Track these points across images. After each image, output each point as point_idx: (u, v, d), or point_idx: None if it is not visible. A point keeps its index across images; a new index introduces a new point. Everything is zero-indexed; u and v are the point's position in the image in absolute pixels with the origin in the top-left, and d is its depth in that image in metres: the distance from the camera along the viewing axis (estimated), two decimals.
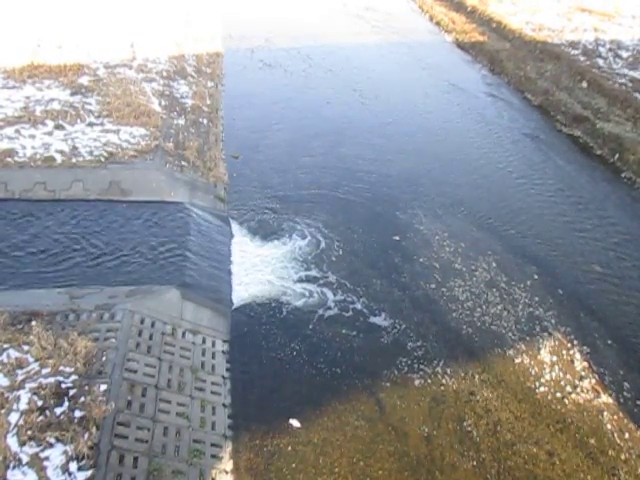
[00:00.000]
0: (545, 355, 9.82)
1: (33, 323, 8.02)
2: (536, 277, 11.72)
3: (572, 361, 9.75)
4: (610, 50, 23.38)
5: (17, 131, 12.95)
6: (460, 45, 26.56)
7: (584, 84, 20.56)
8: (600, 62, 22.02)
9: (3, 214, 10.91)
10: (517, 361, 9.66)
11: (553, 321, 10.60)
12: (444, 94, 21.23)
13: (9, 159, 11.93)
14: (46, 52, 17.11)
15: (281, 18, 28.40)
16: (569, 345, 10.07)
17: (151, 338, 8.46)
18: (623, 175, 16.22)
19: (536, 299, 11.10)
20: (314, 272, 11.31)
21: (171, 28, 21.36)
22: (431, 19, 30.56)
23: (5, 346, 7.56)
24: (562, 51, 23.13)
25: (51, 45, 17.73)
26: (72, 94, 14.96)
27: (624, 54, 22.99)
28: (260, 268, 11.37)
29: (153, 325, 8.70)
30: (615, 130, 17.63)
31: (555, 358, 9.77)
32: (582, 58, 22.36)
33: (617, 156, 16.79)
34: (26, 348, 7.55)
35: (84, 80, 15.86)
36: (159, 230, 11.18)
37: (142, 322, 8.62)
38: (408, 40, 26.71)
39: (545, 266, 12.10)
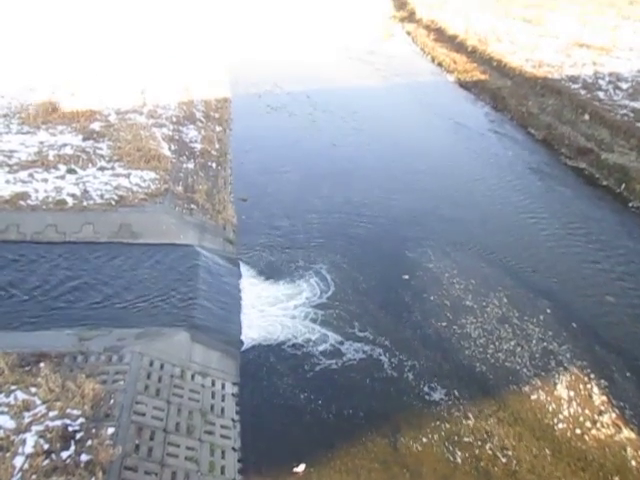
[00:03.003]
0: (562, 390, 9.59)
1: (41, 365, 7.98)
2: (549, 311, 11.56)
3: (590, 396, 9.51)
4: (610, 82, 23.71)
5: (30, 175, 13.22)
6: (462, 84, 27.05)
7: (586, 117, 20.78)
8: (601, 95, 22.30)
9: (14, 256, 11.02)
10: (533, 397, 9.44)
11: (568, 355, 10.40)
12: (449, 132, 21.51)
13: (22, 202, 12.15)
14: (60, 99, 17.61)
15: (286, 63, 29.14)
16: (586, 379, 9.85)
17: (160, 381, 8.37)
18: (630, 205, 16.20)
19: (550, 333, 10.93)
20: (324, 313, 11.22)
21: (180, 74, 21.98)
22: (433, 60, 31.24)
23: (12, 388, 7.52)
24: (563, 86, 23.47)
25: (65, 92, 18.26)
26: (84, 139, 15.32)
27: (624, 86, 23.29)
28: (269, 309, 11.32)
29: (162, 367, 8.63)
30: (620, 160, 17.71)
31: (572, 393, 9.53)
32: (583, 92, 22.66)
33: (623, 186, 16.80)
34: (33, 390, 7.50)
35: (96, 126, 16.26)
36: (169, 272, 11.21)
37: (151, 364, 8.55)
38: (411, 81, 27.26)
39: (557, 300, 11.95)
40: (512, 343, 10.66)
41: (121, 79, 20.12)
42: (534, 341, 10.73)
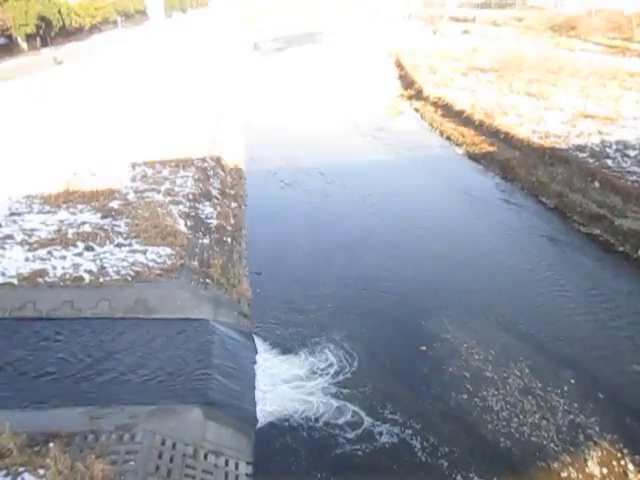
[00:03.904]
0: (593, 467, 9.09)
1: (51, 445, 7.80)
2: (573, 381, 11.17)
3: (625, 473, 8.98)
4: (617, 150, 24.08)
5: (49, 252, 13.52)
6: (471, 156, 27.64)
7: (596, 184, 20.96)
8: (609, 162, 22.60)
9: (29, 333, 11.06)
10: (563, 475, 8.94)
11: (597, 428, 9.93)
12: (461, 202, 21.76)
13: (40, 279, 12.35)
14: (81, 179, 18.28)
15: (299, 140, 30.16)
16: (619, 455, 9.34)
17: (172, 461, 8.11)
18: None
19: (575, 405, 10.50)
20: (340, 387, 10.96)
21: (197, 151, 22.75)
22: (441, 134, 32.13)
23: (20, 469, 7.33)
24: (570, 155, 23.87)
25: (86, 173, 18.98)
26: (102, 217, 15.74)
27: (631, 153, 23.62)
28: (284, 384, 11.10)
29: (174, 447, 8.38)
30: (634, 226, 17.65)
31: (605, 470, 9.02)
32: (591, 160, 22.99)
33: None
34: (42, 472, 7.30)
35: (114, 204, 16.74)
36: (183, 347, 11.12)
37: (163, 444, 8.32)
38: (421, 155, 27.94)
39: (581, 369, 11.57)
40: (537, 416, 10.24)
41: (141, 158, 20.87)
42: (560, 414, 10.30)
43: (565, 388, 10.99)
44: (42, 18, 50.11)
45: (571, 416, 10.23)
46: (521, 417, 10.22)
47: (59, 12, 54.98)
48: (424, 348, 12.34)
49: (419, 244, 17.94)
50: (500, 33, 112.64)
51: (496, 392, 10.88)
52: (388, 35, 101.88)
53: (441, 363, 11.81)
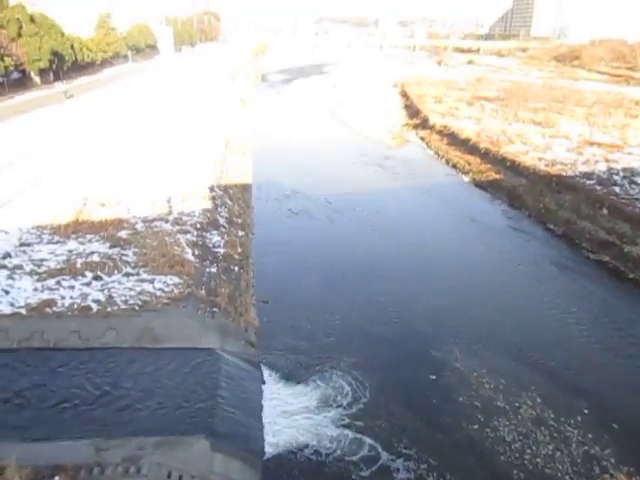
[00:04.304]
0: None
1: (56, 478, 7.69)
2: (586, 411, 10.94)
3: None
4: (624, 178, 24.10)
5: (58, 282, 13.58)
6: (478, 184, 27.72)
7: (604, 211, 20.91)
8: (617, 189, 22.59)
9: (37, 363, 11.01)
10: None
11: (613, 460, 9.69)
12: (468, 229, 21.73)
13: (48, 309, 12.38)
14: (90, 210, 18.46)
15: (305, 169, 30.39)
16: None
17: None
18: None
19: (590, 436, 10.26)
20: (348, 418, 10.80)
21: (205, 181, 22.97)
22: (447, 162, 32.32)
23: None
24: (577, 182, 23.90)
25: (95, 203, 19.17)
26: (111, 247, 15.83)
27: (639, 180, 23.62)
28: (292, 415, 10.95)
29: (180, 479, 8.23)
30: None
31: None
32: (598, 187, 23.01)
33: None
34: None
35: (123, 234, 16.85)
36: (189, 377, 11.03)
37: (169, 476, 8.18)
38: (428, 182, 28.06)
39: (594, 398, 11.35)
40: (550, 447, 10.01)
41: (149, 189, 21.08)
42: (574, 444, 10.06)
43: (578, 418, 10.76)
44: (55, 53, 51.42)
45: (585, 447, 10.00)
46: (534, 448, 9.99)
47: (72, 47, 56.45)
48: (434, 377, 12.17)
49: (427, 272, 17.85)
50: (504, 63, 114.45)
51: (508, 422, 10.67)
52: (393, 65, 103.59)
53: (451, 392, 11.63)
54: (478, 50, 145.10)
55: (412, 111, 47.94)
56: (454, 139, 35.40)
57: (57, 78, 53.60)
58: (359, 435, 10.34)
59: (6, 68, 43.98)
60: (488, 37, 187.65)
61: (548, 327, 14.40)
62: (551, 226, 21.55)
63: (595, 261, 18.43)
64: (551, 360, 12.79)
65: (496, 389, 11.68)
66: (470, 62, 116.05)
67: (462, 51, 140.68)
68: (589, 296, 16.08)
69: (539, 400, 11.28)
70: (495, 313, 15.11)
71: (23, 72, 49.40)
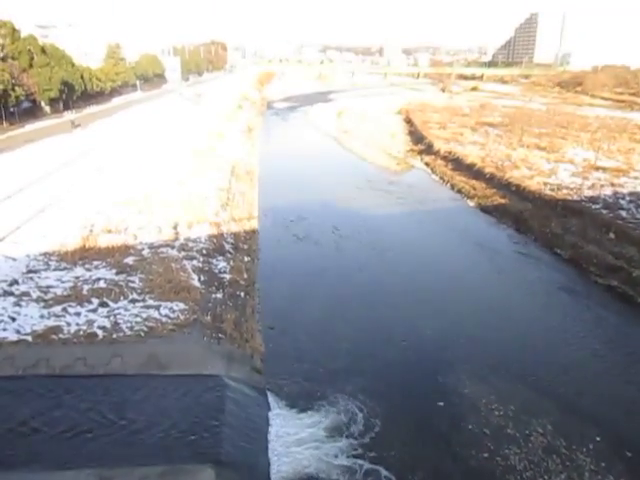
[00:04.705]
0: None
1: None
2: (598, 439, 10.73)
3: None
4: (631, 202, 24.07)
5: (64, 309, 13.59)
6: (483, 209, 27.74)
7: (611, 235, 20.83)
8: (623, 213, 22.55)
9: (42, 391, 10.95)
10: None
11: None
12: (475, 255, 21.66)
13: (54, 336, 12.38)
14: (97, 236, 18.57)
15: (311, 194, 30.45)
16: None
17: None
18: None
19: (603, 465, 10.05)
20: (357, 447, 10.63)
21: (211, 207, 23.12)
22: (452, 187, 32.42)
23: None
24: (584, 206, 23.88)
25: (102, 229, 19.28)
26: (117, 273, 15.87)
27: None
28: (299, 443, 10.79)
29: None
30: None
31: None
32: (604, 211, 22.97)
33: None
34: None
35: (129, 260, 16.91)
36: (195, 405, 10.92)
37: None
38: (433, 208, 28.11)
39: (606, 425, 11.15)
40: (563, 477, 9.79)
41: (155, 216, 21.20)
42: (587, 473, 9.85)
43: (591, 446, 10.54)
44: (65, 83, 52.44)
45: (599, 476, 9.78)
46: (546, 478, 9.77)
47: (81, 77, 57.57)
48: (442, 404, 11.99)
49: (435, 297, 17.75)
50: (508, 89, 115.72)
51: (518, 450, 10.47)
52: (397, 92, 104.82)
53: (460, 420, 11.45)
54: (482, 77, 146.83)
55: (416, 137, 48.32)
56: (459, 164, 35.57)
57: (67, 107, 54.55)
58: (364, 463, 10.16)
59: (17, 98, 44.79)
60: (491, 64, 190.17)
61: (558, 353, 14.22)
62: (558, 250, 21.45)
63: (603, 285, 18.28)
64: (561, 386, 12.61)
65: (505, 416, 11.49)
66: (474, 89, 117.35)
67: (466, 78, 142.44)
68: (599, 321, 15.91)
69: (550, 427, 11.08)
70: (504, 339, 14.96)
71: (34, 101, 50.32)
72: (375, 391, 12.43)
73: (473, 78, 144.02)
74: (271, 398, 12.18)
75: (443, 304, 17.15)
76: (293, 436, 10.98)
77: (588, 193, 25.87)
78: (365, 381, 12.83)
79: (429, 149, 41.81)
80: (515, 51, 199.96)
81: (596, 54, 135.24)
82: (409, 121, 57.85)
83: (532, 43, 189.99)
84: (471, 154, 36.15)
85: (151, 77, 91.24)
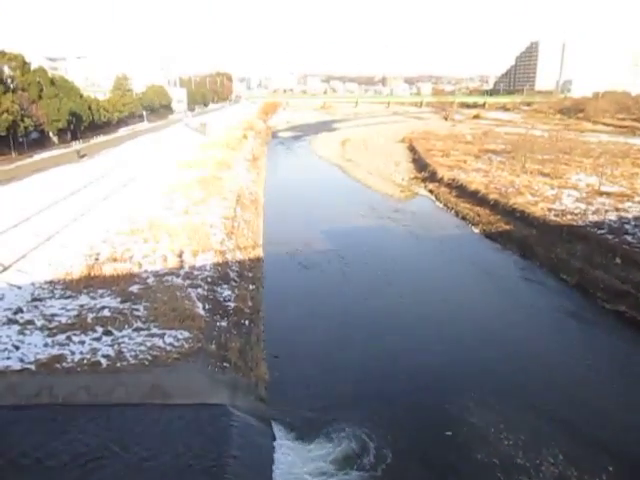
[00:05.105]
0: None
1: None
2: (611, 469, 10.48)
3: None
4: (636, 226, 24.02)
5: (68, 338, 13.55)
6: (488, 235, 27.71)
7: (618, 260, 20.71)
8: (629, 238, 22.47)
9: (44, 420, 10.84)
10: None
11: None
12: (481, 281, 21.56)
13: (57, 365, 12.30)
14: (102, 264, 18.62)
15: (317, 223, 30.56)
16: None
17: None
18: None
19: None
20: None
21: (216, 236, 23.19)
22: (457, 214, 32.47)
23: None
24: (589, 232, 23.82)
25: (107, 258, 19.35)
26: (122, 301, 15.85)
27: None
28: (306, 475, 10.58)
29: None
30: None
31: None
32: (610, 236, 22.90)
33: None
34: None
35: (134, 288, 16.90)
36: (199, 435, 10.76)
37: None
38: (437, 235, 28.09)
39: (619, 454, 10.91)
40: None
41: (161, 244, 21.29)
42: None
43: (604, 477, 10.29)
44: (73, 114, 53.28)
45: None
46: None
47: (89, 108, 58.52)
48: (449, 433, 11.78)
49: (441, 324, 17.58)
50: (510, 117, 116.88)
51: None
52: (400, 121, 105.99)
53: (468, 449, 11.22)
54: (484, 105, 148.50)
55: (420, 165, 48.66)
56: (463, 191, 35.69)
57: (74, 137, 55.27)
58: None
59: (26, 128, 45.47)
60: (493, 92, 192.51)
61: (566, 379, 14.02)
62: (564, 276, 21.31)
63: (611, 311, 18.10)
64: (571, 413, 12.39)
65: (515, 445, 11.27)
66: (476, 116, 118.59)
67: (468, 106, 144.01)
68: (609, 348, 15.72)
69: (561, 456, 10.85)
70: (512, 365, 14.76)
71: (42, 132, 51.05)
72: (380, 420, 12.23)
73: (475, 106, 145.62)
74: (276, 428, 11.99)
75: (450, 332, 16.99)
76: (299, 469, 10.77)
77: (593, 218, 25.85)
78: (371, 411, 12.64)
79: (433, 176, 42.03)
80: (516, 79, 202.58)
81: (597, 80, 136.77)
82: (412, 149, 58.36)
83: (533, 71, 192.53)
84: (475, 181, 36.31)
85: (157, 108, 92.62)
